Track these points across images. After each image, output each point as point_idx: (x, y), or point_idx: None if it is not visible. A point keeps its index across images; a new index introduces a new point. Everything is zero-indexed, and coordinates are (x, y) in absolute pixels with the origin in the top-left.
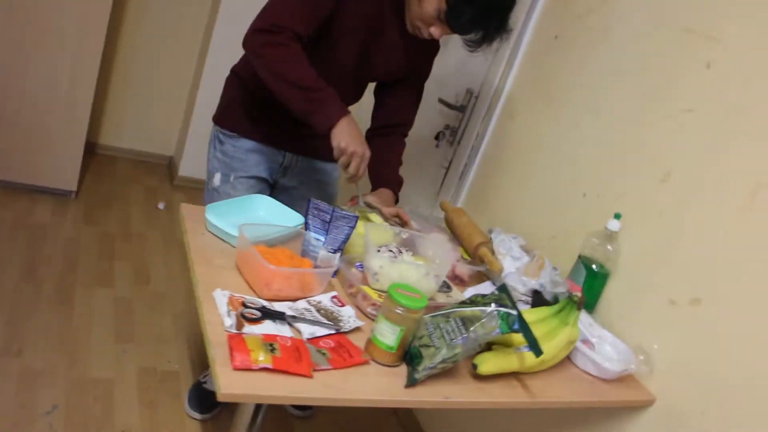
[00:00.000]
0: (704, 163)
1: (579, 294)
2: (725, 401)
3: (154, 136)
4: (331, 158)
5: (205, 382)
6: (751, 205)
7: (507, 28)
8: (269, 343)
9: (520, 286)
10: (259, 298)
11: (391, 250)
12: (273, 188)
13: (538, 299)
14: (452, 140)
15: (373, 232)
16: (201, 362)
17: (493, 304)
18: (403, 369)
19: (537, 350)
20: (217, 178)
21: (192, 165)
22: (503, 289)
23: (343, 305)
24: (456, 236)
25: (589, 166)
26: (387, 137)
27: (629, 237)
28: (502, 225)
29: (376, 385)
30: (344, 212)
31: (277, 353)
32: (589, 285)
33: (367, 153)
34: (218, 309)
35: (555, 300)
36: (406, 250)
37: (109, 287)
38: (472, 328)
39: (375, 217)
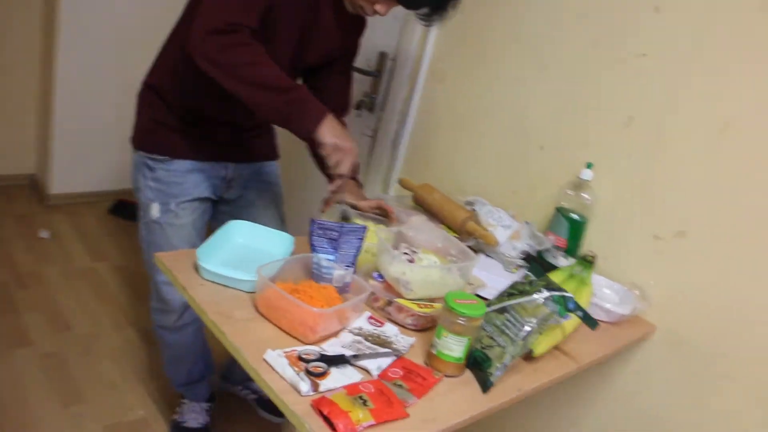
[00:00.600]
0: (667, 105)
1: (592, 253)
2: (718, 320)
3: (4, 154)
4: (273, 157)
5: (183, 421)
6: (721, 140)
7: None
8: (358, 397)
9: (512, 251)
10: (305, 344)
11: (405, 253)
12: (216, 204)
13: (532, 262)
14: (371, 107)
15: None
16: (165, 399)
17: (544, 290)
18: (467, 375)
19: (593, 323)
20: (155, 210)
21: (65, 179)
22: (535, 269)
23: (382, 324)
24: (433, 214)
25: (542, 120)
26: None
27: (602, 183)
28: (452, 188)
29: (460, 400)
30: (352, 225)
31: (370, 405)
32: (572, 234)
33: (357, 149)
34: (281, 373)
35: (541, 257)
36: (415, 249)
37: (26, 346)
38: (534, 319)
39: (356, 218)
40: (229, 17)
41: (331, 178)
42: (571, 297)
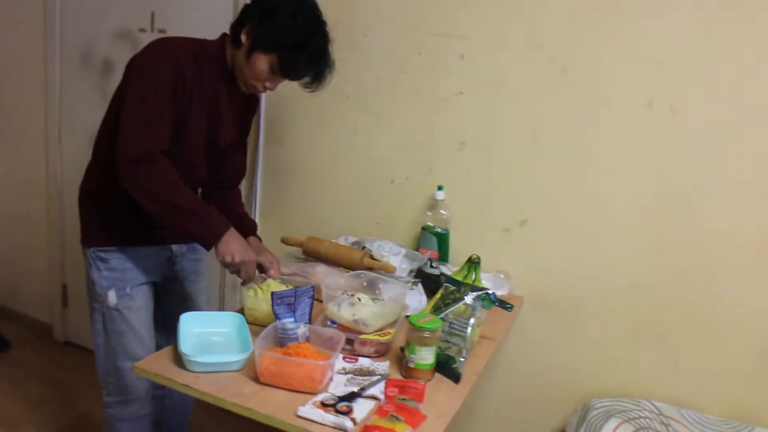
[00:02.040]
0: (488, 127)
1: (476, 255)
2: (564, 280)
3: None
4: None
5: None
6: (532, 147)
7: (332, 61)
8: (389, 416)
9: (404, 273)
10: (315, 395)
11: (350, 295)
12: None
13: (422, 274)
14: None
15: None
16: None
17: (470, 293)
18: (437, 377)
19: (509, 306)
20: (112, 296)
21: None
22: (450, 279)
23: (356, 360)
24: (329, 261)
25: (387, 159)
26: (229, 190)
27: (453, 199)
28: (318, 234)
29: (446, 394)
30: (302, 288)
31: (401, 418)
32: (440, 246)
33: (254, 257)
34: (321, 421)
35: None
36: (349, 292)
37: None
38: (471, 317)
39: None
40: (144, 146)
41: None
42: (492, 292)
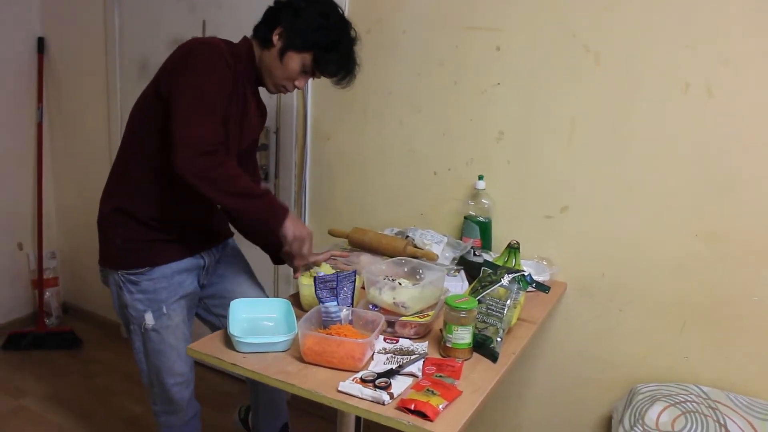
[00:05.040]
0: (525, 117)
1: (515, 240)
2: (607, 265)
3: None
4: (230, 234)
5: None
6: (571, 134)
7: (359, 58)
8: (425, 390)
9: (447, 261)
10: (356, 373)
11: (391, 280)
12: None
13: (465, 262)
14: (266, 176)
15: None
16: None
17: (506, 275)
18: (475, 356)
19: (546, 288)
20: (149, 318)
21: None
22: (489, 264)
23: (397, 340)
24: (373, 250)
25: (429, 151)
26: None
27: (495, 188)
28: (365, 226)
29: (483, 372)
30: (344, 273)
31: (436, 392)
32: (483, 234)
33: (311, 234)
34: (359, 395)
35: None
36: (391, 277)
37: None
38: (508, 299)
39: (324, 266)
40: (209, 138)
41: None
42: (528, 274)
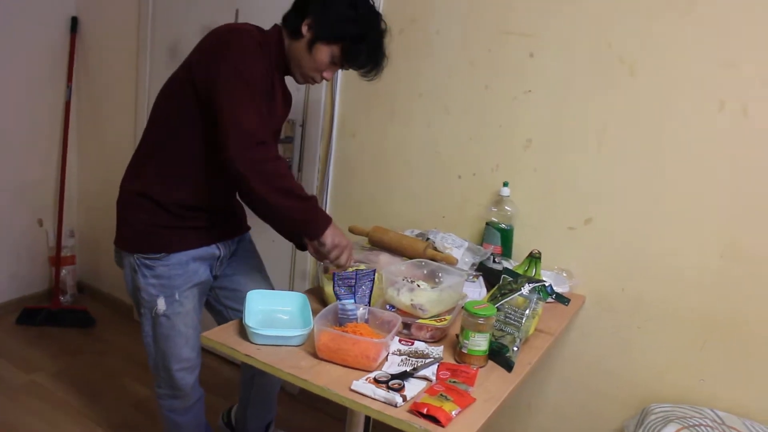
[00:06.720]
0: (554, 125)
1: (537, 250)
2: (628, 279)
3: None
4: (247, 228)
5: None
6: (600, 146)
7: (387, 50)
8: (439, 395)
9: (466, 265)
10: (369, 372)
11: (410, 282)
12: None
13: (484, 268)
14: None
15: None
16: None
17: (527, 284)
18: (490, 364)
19: (566, 300)
20: (161, 304)
21: None
22: (509, 272)
23: (412, 343)
24: (393, 250)
25: (455, 154)
26: None
27: (519, 195)
28: (386, 222)
29: (498, 381)
30: (364, 271)
31: (449, 398)
32: (504, 242)
33: (351, 244)
34: (372, 395)
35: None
36: (410, 279)
37: None
38: (527, 309)
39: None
40: (260, 134)
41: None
42: (549, 284)
